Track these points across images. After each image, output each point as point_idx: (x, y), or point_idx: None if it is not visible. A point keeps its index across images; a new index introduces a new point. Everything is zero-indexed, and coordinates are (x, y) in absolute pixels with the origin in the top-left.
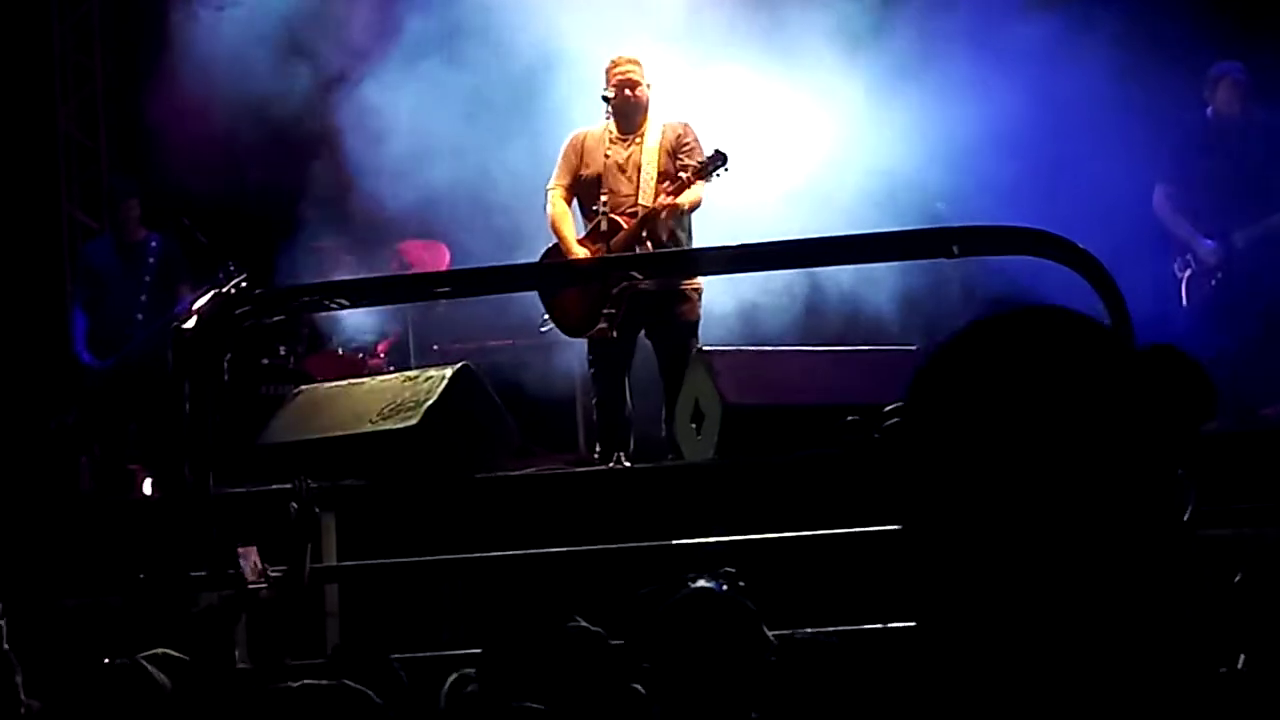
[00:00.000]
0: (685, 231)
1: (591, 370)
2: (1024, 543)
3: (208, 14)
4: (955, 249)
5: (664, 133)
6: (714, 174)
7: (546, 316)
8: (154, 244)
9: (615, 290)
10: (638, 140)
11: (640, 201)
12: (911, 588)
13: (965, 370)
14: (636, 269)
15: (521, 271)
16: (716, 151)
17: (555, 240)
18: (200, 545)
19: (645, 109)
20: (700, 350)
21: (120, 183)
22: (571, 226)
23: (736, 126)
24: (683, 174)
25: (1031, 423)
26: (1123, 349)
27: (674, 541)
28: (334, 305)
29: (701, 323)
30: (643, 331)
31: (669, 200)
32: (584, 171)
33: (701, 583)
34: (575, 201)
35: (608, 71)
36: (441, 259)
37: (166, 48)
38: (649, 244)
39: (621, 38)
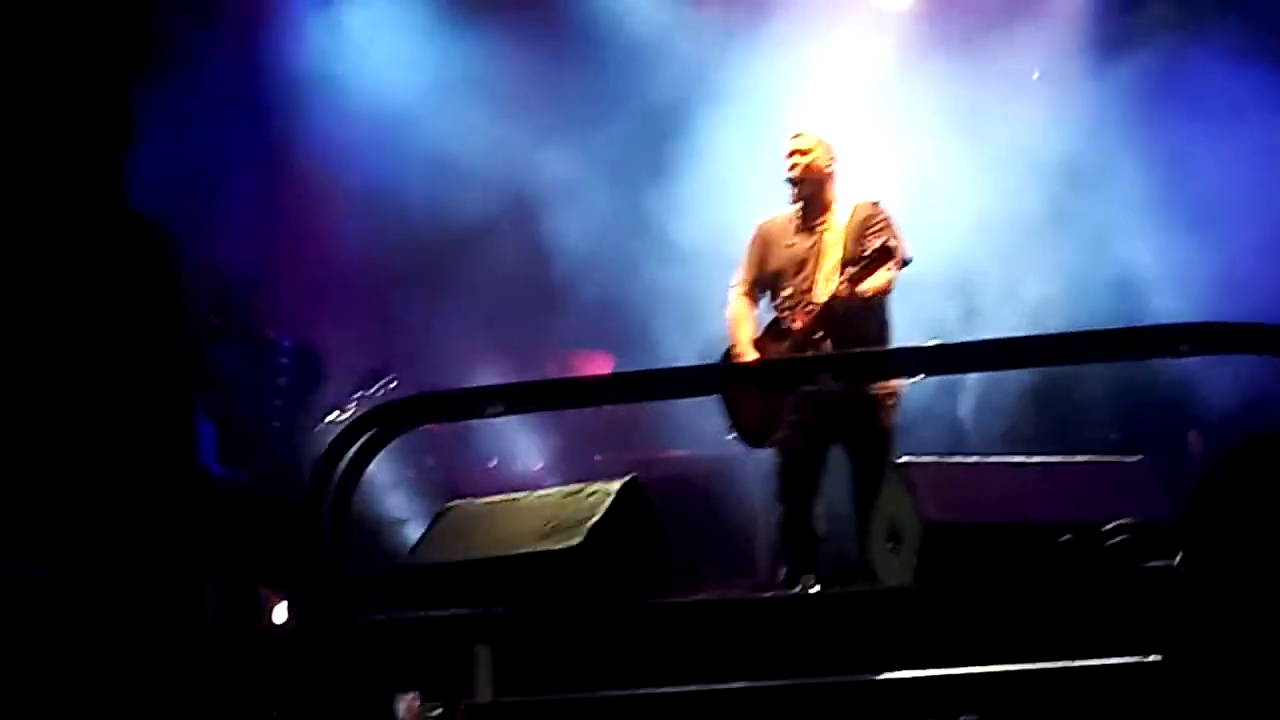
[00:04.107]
0: (879, 326)
1: (777, 484)
2: None
3: None
4: (1184, 348)
5: (853, 214)
6: (886, 267)
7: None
8: (286, 344)
9: (799, 395)
10: (821, 227)
11: (815, 297)
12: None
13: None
14: (812, 371)
15: (687, 376)
16: (883, 245)
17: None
18: (341, 680)
19: (824, 187)
20: (897, 462)
21: (255, 273)
22: (748, 327)
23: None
24: (866, 256)
25: None
26: None
27: (868, 677)
28: (489, 412)
29: (898, 431)
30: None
31: (842, 289)
32: (768, 266)
33: None
34: (764, 300)
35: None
36: (605, 369)
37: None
38: (827, 343)
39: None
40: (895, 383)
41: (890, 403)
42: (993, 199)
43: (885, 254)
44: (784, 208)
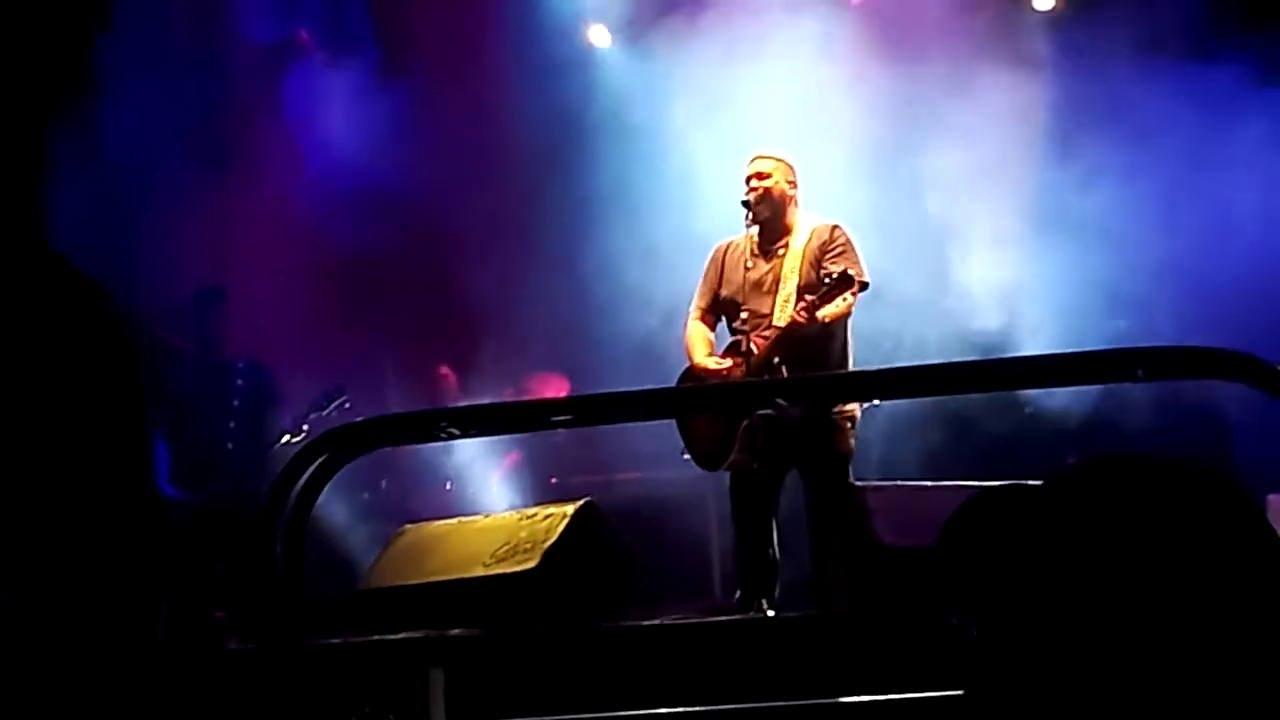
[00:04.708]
0: (839, 350)
1: (733, 506)
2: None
3: None
4: (1140, 372)
5: (810, 238)
6: (845, 294)
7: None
8: (241, 365)
9: (755, 418)
10: (781, 251)
11: (775, 322)
12: None
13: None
14: (768, 395)
15: (642, 399)
16: (843, 273)
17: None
18: (296, 703)
19: (784, 210)
20: (853, 486)
21: (210, 293)
22: (703, 348)
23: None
24: (826, 282)
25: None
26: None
27: (821, 701)
28: (443, 435)
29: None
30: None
31: (800, 315)
32: (723, 290)
33: None
34: (723, 322)
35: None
36: (560, 392)
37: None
38: (784, 368)
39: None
40: (852, 406)
41: (848, 426)
42: (901, 214)
43: (845, 281)
44: (744, 230)
